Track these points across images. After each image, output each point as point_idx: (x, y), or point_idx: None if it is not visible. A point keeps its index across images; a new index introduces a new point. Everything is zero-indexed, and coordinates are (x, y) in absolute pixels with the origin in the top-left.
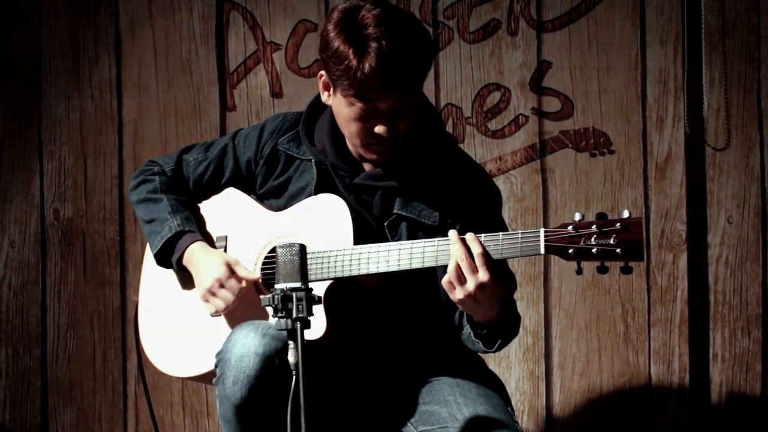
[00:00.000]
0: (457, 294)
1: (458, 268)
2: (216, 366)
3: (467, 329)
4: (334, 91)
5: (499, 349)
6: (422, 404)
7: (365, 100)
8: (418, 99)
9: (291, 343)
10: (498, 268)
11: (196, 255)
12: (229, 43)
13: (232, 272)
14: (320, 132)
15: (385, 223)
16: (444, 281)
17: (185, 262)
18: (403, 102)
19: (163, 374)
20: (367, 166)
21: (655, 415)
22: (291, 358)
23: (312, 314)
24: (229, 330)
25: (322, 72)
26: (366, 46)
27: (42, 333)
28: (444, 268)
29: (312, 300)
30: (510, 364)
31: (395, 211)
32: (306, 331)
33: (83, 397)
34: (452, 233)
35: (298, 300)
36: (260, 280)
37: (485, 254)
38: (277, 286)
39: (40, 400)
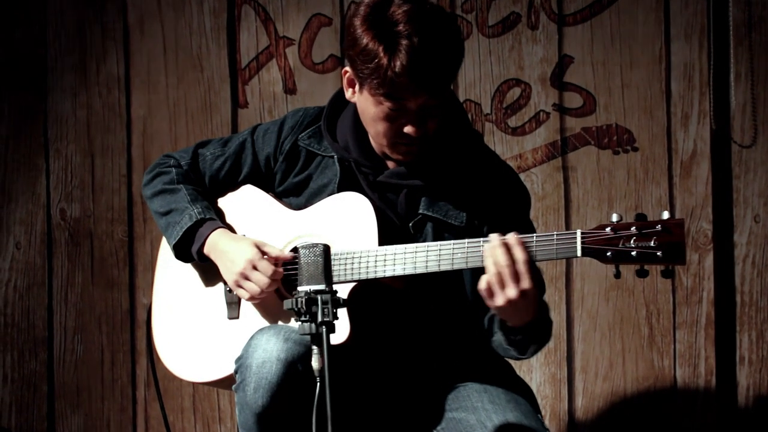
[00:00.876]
0: (497, 301)
1: (500, 274)
2: (236, 372)
3: (499, 335)
4: (360, 88)
5: (531, 355)
6: (449, 411)
7: (394, 100)
8: (447, 96)
9: (315, 348)
10: (538, 273)
11: (220, 241)
12: (240, 38)
13: (263, 253)
14: (343, 128)
15: (410, 224)
16: (482, 287)
17: (207, 250)
18: (432, 101)
19: (173, 378)
20: (390, 164)
21: (681, 419)
22: (315, 363)
23: (337, 318)
24: (247, 333)
25: (347, 68)
26: (397, 44)
27: (48, 336)
28: (473, 271)
29: (337, 303)
30: (531, 368)
31: (421, 211)
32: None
33: (91, 403)
34: (494, 237)
35: (323, 303)
36: (291, 258)
37: (530, 261)
38: (300, 288)
39: (47, 406)
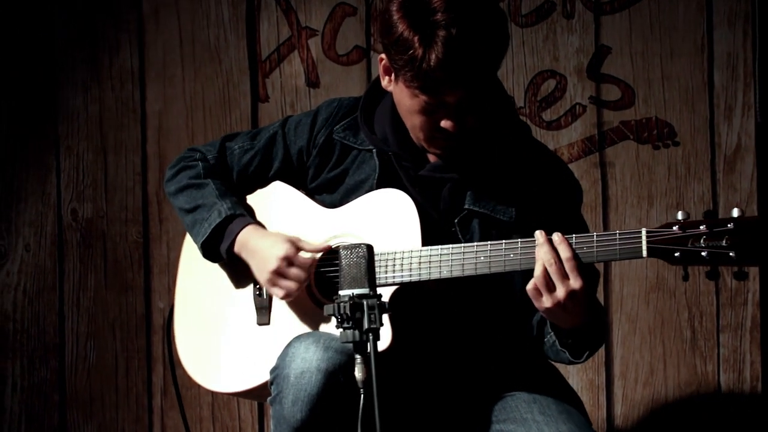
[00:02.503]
0: (544, 302)
1: (546, 273)
2: (271, 383)
3: (551, 338)
4: (396, 78)
5: (586, 359)
6: (496, 422)
7: (430, 93)
8: (489, 89)
9: (358, 358)
10: (589, 272)
11: (252, 238)
12: (260, 28)
13: (298, 249)
14: (380, 119)
15: (456, 220)
16: (529, 287)
17: (237, 249)
18: (471, 95)
19: (190, 386)
20: (432, 157)
21: (725, 427)
22: (358, 374)
23: (382, 324)
24: (279, 340)
25: (383, 56)
26: (433, 35)
27: (59, 343)
28: (523, 273)
29: (383, 308)
30: (568, 374)
31: (466, 206)
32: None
33: (104, 412)
34: (539, 234)
35: (369, 308)
36: (327, 249)
37: (575, 257)
38: (341, 292)
39: (58, 416)
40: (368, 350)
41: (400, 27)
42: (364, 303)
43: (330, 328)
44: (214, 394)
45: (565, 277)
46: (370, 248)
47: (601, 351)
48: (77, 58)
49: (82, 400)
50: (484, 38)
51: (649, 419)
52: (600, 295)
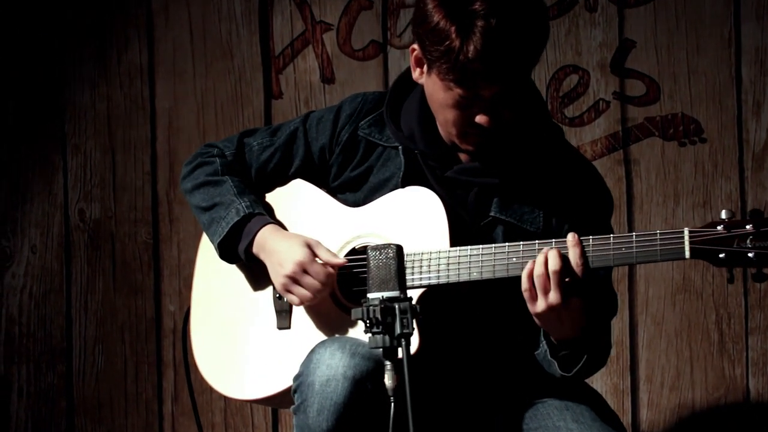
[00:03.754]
0: (537, 306)
1: (543, 276)
2: (295, 391)
3: (543, 346)
4: (429, 70)
5: (578, 377)
6: (527, 430)
7: (466, 87)
8: (526, 84)
9: (388, 364)
10: (592, 283)
11: (270, 239)
12: (273, 23)
13: (315, 255)
14: (408, 115)
15: (480, 225)
16: (523, 288)
17: (256, 250)
18: (509, 90)
19: (202, 391)
20: (462, 156)
21: None
22: (388, 381)
23: (414, 329)
24: (300, 345)
25: (415, 46)
26: (471, 25)
27: (67, 347)
28: None
29: (415, 312)
30: (592, 378)
31: (492, 213)
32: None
33: (113, 419)
34: (572, 236)
35: (402, 312)
36: (344, 263)
37: (584, 264)
38: (370, 295)
39: (66, 422)
40: (398, 356)
41: (436, 16)
42: (396, 307)
43: (355, 332)
44: (227, 399)
45: (546, 290)
46: (399, 249)
47: (626, 354)
48: (84, 54)
49: (90, 407)
50: (524, 29)
51: (675, 424)
52: (624, 297)
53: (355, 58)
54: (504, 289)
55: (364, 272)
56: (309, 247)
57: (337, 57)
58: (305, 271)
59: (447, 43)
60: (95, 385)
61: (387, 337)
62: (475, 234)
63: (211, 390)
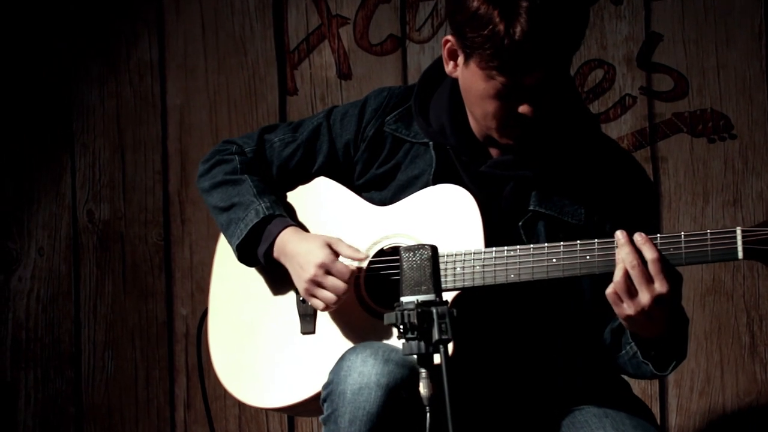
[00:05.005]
0: (626, 309)
1: (627, 277)
2: (324, 400)
3: (630, 349)
4: (466, 60)
5: (671, 371)
6: None
7: (509, 74)
8: (567, 70)
9: (423, 372)
10: (674, 275)
11: (290, 242)
12: (288, 17)
13: (336, 253)
14: (437, 108)
15: (520, 223)
16: (609, 292)
17: (276, 253)
18: (552, 75)
19: (215, 398)
20: (494, 151)
21: None
22: (424, 390)
23: (451, 334)
24: (326, 351)
25: (449, 38)
26: (516, 6)
27: (75, 353)
28: (594, 277)
29: (452, 317)
30: None
31: (532, 207)
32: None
33: (124, 426)
34: (620, 234)
35: (440, 317)
36: (365, 259)
37: (660, 259)
38: (404, 299)
39: (74, 430)
40: (435, 363)
41: (476, 2)
42: (433, 311)
43: (384, 337)
44: (241, 406)
45: (649, 280)
46: (434, 249)
47: None
48: (92, 49)
49: (99, 414)
50: (569, 9)
51: (705, 430)
52: None
53: (373, 53)
54: (542, 292)
55: (394, 274)
56: (330, 246)
57: (354, 52)
58: (328, 273)
59: (490, 27)
60: (105, 391)
61: (422, 343)
62: (512, 231)
63: (225, 396)
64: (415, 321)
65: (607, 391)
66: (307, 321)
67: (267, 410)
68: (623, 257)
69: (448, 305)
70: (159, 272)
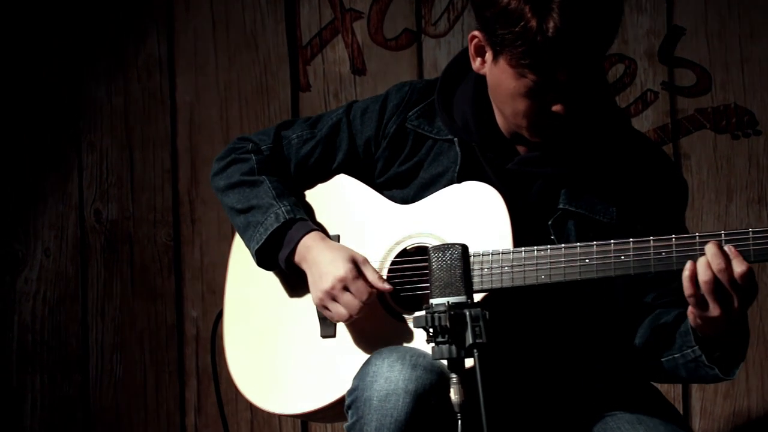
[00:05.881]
0: (711, 311)
1: (717, 282)
2: (348, 408)
3: (691, 353)
4: (495, 57)
5: (734, 375)
6: None
7: (541, 71)
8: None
9: (454, 377)
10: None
11: (313, 248)
12: (301, 11)
13: (359, 272)
14: (461, 104)
15: (550, 222)
16: (691, 293)
17: (298, 259)
18: (585, 71)
19: (227, 402)
20: (520, 148)
21: None
22: (455, 396)
23: (485, 338)
24: (347, 355)
25: (477, 33)
26: (548, 1)
27: (83, 356)
28: (626, 278)
29: (486, 320)
30: None
31: (561, 206)
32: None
33: (133, 431)
34: (711, 246)
35: (473, 320)
36: (389, 291)
37: (750, 269)
38: (433, 301)
39: None
40: (466, 368)
41: None
42: (467, 314)
43: (409, 340)
44: (253, 410)
45: (737, 286)
46: (465, 249)
47: None
48: (99, 46)
49: (107, 419)
50: (602, 3)
51: None
52: None
53: (388, 47)
54: (572, 293)
55: (418, 276)
56: (354, 263)
57: (369, 47)
58: (345, 288)
59: (522, 24)
60: (113, 395)
61: (453, 348)
62: (541, 231)
63: (237, 400)
64: (447, 324)
65: (639, 395)
66: (327, 324)
67: (286, 417)
68: (712, 260)
69: (479, 306)
70: (168, 273)
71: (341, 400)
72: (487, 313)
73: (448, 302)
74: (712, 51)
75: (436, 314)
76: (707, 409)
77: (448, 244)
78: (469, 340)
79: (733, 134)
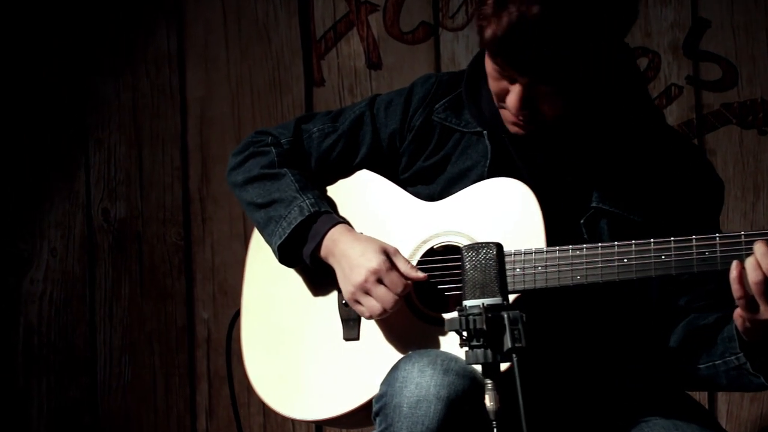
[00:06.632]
0: (762, 314)
1: (766, 282)
2: (376, 414)
3: (735, 360)
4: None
5: None
6: None
7: (497, 62)
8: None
9: (489, 383)
10: None
11: (341, 241)
12: (314, 3)
13: (392, 264)
14: (488, 96)
15: (582, 221)
16: (741, 298)
17: (324, 253)
18: (544, 86)
19: (240, 406)
20: (546, 142)
21: None
22: (489, 403)
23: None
24: (372, 359)
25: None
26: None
27: (90, 358)
28: (661, 280)
29: (524, 323)
30: None
31: (594, 204)
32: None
33: None
34: (760, 245)
35: (512, 323)
36: (424, 279)
37: None
38: (467, 303)
39: None
40: (501, 374)
41: None
42: (505, 316)
43: (436, 343)
44: (266, 413)
45: None
46: (500, 248)
47: None
48: (107, 40)
49: (116, 422)
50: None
51: None
52: None
53: (404, 41)
54: (610, 295)
55: (446, 276)
56: (386, 254)
57: (384, 40)
58: (379, 281)
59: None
60: (122, 399)
61: (489, 352)
62: (573, 229)
63: (250, 404)
64: (484, 327)
65: (674, 400)
66: (350, 326)
67: (312, 423)
68: (760, 259)
69: (515, 307)
70: (179, 274)
71: (365, 405)
72: (524, 315)
73: (483, 304)
74: (739, 44)
75: (471, 317)
76: (733, 413)
77: (482, 243)
78: (508, 344)
79: (760, 130)
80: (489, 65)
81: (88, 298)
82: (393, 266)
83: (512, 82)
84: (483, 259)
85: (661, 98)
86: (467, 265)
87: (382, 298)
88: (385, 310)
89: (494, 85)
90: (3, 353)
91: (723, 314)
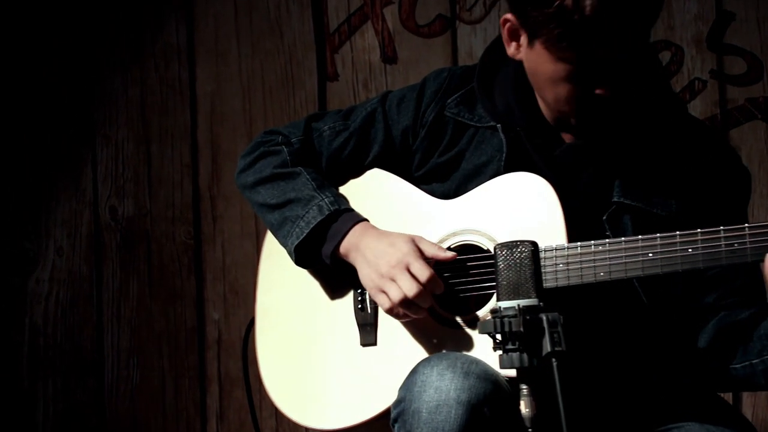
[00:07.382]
0: None
1: None
2: (395, 421)
3: None
4: (530, 41)
5: None
6: None
7: (581, 53)
8: (647, 45)
9: (524, 389)
10: None
11: (366, 236)
12: None
13: (420, 252)
14: (502, 89)
15: (604, 217)
16: None
17: (344, 251)
18: (630, 51)
19: (247, 411)
20: (566, 136)
21: None
22: (525, 409)
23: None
24: (389, 364)
25: (509, 16)
26: None
27: (98, 360)
28: (686, 276)
29: (563, 325)
30: None
31: (616, 198)
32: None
33: None
34: None
35: (551, 326)
36: (453, 258)
37: None
38: (502, 304)
39: None
40: (537, 379)
41: None
42: (543, 319)
43: (455, 346)
44: (278, 418)
45: None
46: (535, 246)
47: None
48: (114, 34)
49: (123, 426)
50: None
51: None
52: None
53: (420, 34)
54: (637, 292)
55: (466, 277)
56: (414, 242)
57: (400, 33)
58: (407, 269)
59: (556, 3)
60: (130, 402)
61: (525, 356)
62: (595, 225)
63: (261, 407)
64: (521, 329)
65: (707, 406)
66: (367, 331)
67: (323, 431)
68: None
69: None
70: (188, 273)
71: (384, 413)
72: (563, 317)
73: (518, 305)
74: (764, 37)
75: (506, 319)
76: (759, 415)
77: (516, 242)
78: (547, 348)
79: None
80: (559, 69)
81: (95, 299)
82: (421, 255)
83: (595, 70)
84: (518, 258)
85: (685, 93)
86: (501, 265)
87: (406, 284)
88: (406, 297)
89: (567, 88)
90: (8, 355)
91: (758, 310)
